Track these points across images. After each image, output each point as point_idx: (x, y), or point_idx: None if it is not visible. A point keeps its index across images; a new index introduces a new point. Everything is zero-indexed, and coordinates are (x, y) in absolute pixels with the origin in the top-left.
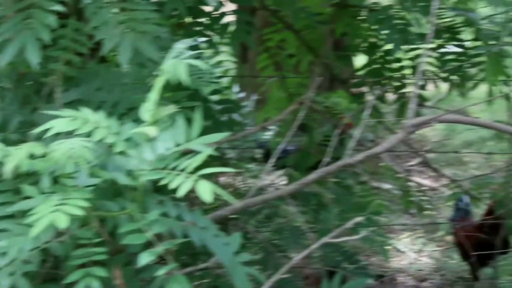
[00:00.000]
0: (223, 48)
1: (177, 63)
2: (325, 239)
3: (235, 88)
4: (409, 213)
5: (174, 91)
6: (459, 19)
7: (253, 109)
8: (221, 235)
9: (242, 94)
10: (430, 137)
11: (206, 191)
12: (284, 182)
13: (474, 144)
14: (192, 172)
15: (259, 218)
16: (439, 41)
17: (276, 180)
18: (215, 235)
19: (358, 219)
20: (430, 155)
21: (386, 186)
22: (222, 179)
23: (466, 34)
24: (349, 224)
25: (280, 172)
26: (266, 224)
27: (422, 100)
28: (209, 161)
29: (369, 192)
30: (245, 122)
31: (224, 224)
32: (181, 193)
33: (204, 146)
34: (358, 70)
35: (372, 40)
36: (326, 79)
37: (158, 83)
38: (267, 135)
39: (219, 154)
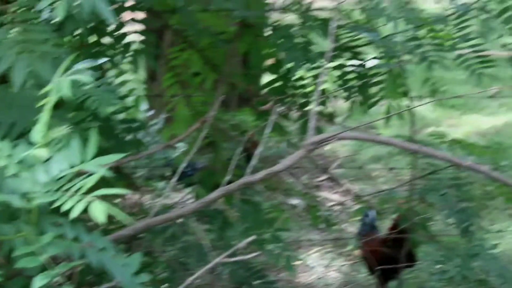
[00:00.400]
0: (130, 67)
1: (61, 81)
2: (219, 259)
3: (143, 107)
4: (318, 228)
5: (76, 111)
6: (361, 38)
7: (162, 127)
8: (120, 255)
9: (150, 113)
10: (340, 152)
11: (99, 212)
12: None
13: (382, 159)
14: (86, 193)
15: (166, 237)
16: (341, 60)
17: (185, 198)
18: (114, 255)
19: (251, 238)
20: (339, 170)
21: (294, 201)
22: (130, 197)
23: (368, 53)
24: (243, 243)
25: (188, 190)
26: (172, 243)
27: (330, 117)
28: (113, 181)
29: (276, 208)
30: (155, 140)
31: (129, 244)
32: (73, 215)
33: (99, 167)
34: (263, 88)
35: (275, 58)
36: (235, 97)
37: (48, 104)
38: (177, 153)
39: (127, 173)
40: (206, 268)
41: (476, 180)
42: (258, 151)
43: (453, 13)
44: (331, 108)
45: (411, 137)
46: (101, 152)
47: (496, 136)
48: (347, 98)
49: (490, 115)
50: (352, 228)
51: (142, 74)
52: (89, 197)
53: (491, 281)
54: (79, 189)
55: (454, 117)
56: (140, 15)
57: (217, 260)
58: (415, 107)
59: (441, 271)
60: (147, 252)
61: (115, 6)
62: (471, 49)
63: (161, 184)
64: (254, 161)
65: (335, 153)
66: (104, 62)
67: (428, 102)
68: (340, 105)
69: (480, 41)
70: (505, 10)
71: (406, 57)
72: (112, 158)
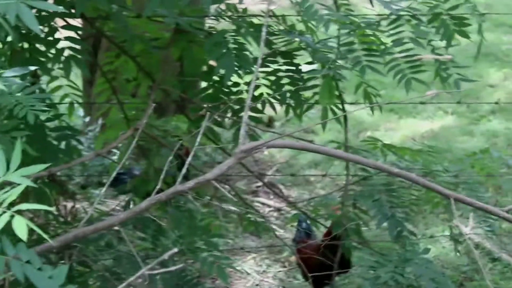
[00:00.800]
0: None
1: None
2: (146, 269)
3: (80, 113)
4: (254, 235)
5: (8, 119)
6: (295, 43)
7: (99, 134)
8: (46, 267)
9: (87, 119)
10: (278, 158)
11: (21, 228)
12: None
13: (320, 164)
14: (13, 205)
15: (100, 245)
16: (276, 65)
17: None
18: (39, 268)
19: (174, 250)
20: (277, 176)
21: (231, 208)
22: (65, 205)
23: (304, 57)
24: (166, 255)
25: (124, 197)
26: (107, 251)
27: (268, 122)
28: (46, 189)
29: (210, 214)
30: (91, 147)
31: (60, 253)
32: None
33: (23, 178)
34: (197, 94)
35: (208, 65)
36: (171, 104)
37: None
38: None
39: (61, 180)
40: (134, 277)
41: (409, 185)
42: (189, 158)
43: (387, 18)
44: (269, 114)
45: (345, 142)
46: (33, 161)
47: (433, 139)
48: (281, 103)
49: (427, 119)
50: (288, 234)
51: (79, 80)
52: (12, 212)
53: (423, 286)
54: (1, 202)
55: (392, 121)
56: (73, 21)
57: (144, 270)
58: (351, 112)
59: (374, 277)
60: (80, 262)
61: (46, 13)
62: (403, 54)
63: (97, 191)
64: (185, 169)
65: (273, 159)
66: (37, 69)
67: (363, 108)
68: (280, 110)
69: (412, 46)
70: (436, 16)
71: (340, 61)
72: (37, 168)
